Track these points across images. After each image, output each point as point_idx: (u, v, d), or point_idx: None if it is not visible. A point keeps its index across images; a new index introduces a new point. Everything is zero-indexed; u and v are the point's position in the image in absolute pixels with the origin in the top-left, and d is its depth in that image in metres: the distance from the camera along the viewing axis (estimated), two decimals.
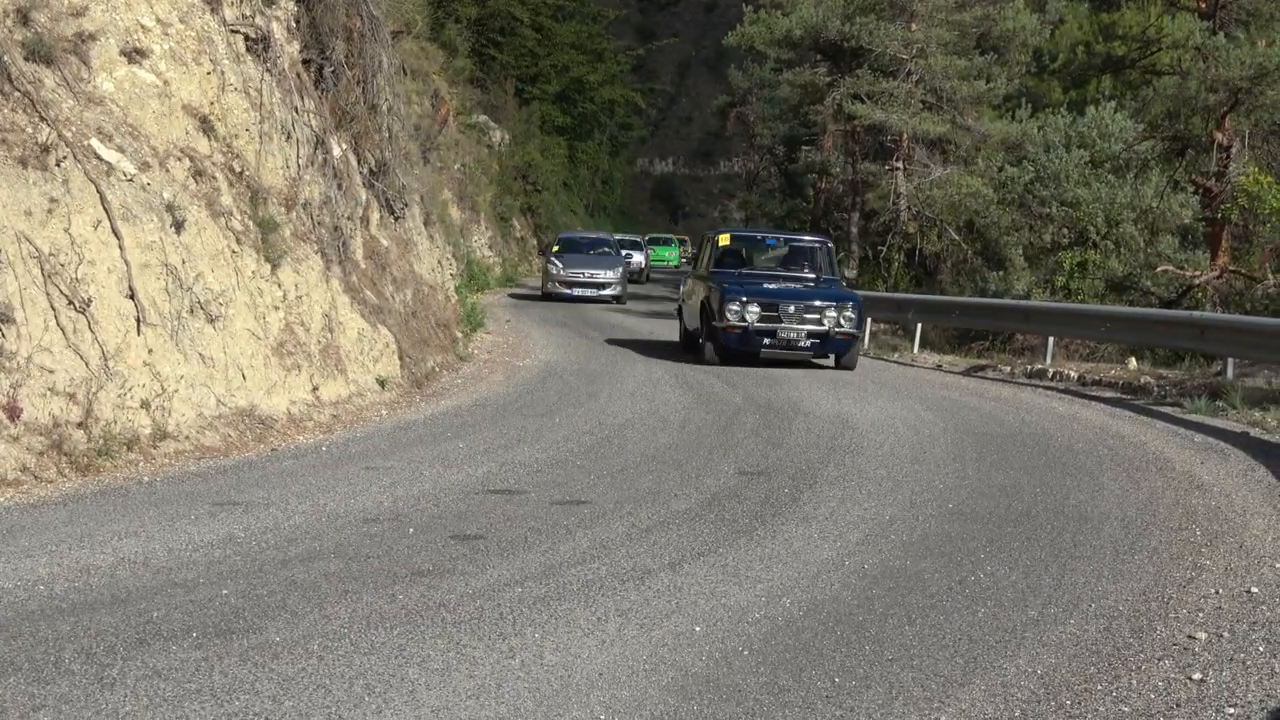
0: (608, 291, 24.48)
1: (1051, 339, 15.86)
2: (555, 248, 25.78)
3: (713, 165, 68.43)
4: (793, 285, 13.71)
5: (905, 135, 24.61)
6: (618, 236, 32.46)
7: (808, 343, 12.95)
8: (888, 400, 11.79)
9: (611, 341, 17.53)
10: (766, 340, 12.84)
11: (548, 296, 24.67)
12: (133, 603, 4.51)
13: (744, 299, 12.91)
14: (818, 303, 12.96)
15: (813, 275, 14.32)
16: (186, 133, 8.67)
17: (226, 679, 3.73)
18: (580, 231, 29.32)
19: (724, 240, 14.73)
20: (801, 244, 15.45)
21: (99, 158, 7.61)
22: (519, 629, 4.33)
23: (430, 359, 12.03)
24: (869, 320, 19.49)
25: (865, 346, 18.07)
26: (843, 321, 12.91)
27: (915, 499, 6.99)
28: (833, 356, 13.45)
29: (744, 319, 12.84)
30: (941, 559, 5.60)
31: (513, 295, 27.03)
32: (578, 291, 24.35)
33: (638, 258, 34.43)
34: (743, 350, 13.01)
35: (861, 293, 18.70)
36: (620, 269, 25.17)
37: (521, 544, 5.61)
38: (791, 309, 12.96)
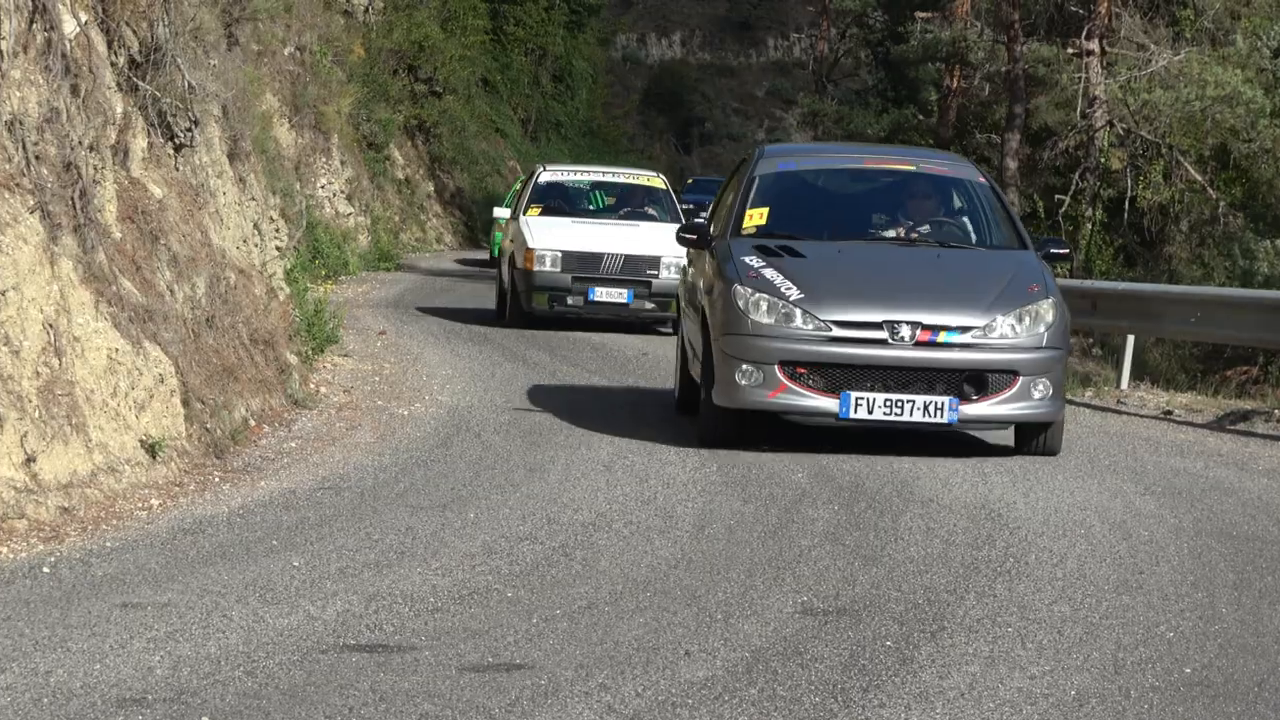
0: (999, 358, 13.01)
1: None
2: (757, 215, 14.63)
3: (754, 47, 68.24)
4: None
5: None
6: (602, 177, 28.01)
7: None
8: (1073, 477, 11.74)
9: (566, 365, 17.61)
10: None
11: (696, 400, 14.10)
12: None
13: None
14: None
15: None
16: None
17: None
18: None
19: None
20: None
21: None
22: None
23: (240, 403, 11.98)
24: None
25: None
26: None
27: (1123, 659, 6.99)
28: None
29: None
30: None
31: (394, 283, 26.84)
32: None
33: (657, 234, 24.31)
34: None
35: None
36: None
37: None
38: None
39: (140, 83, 11.99)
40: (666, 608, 7.65)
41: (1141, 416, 16.27)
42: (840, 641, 7.12)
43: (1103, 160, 25.04)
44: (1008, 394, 12.30)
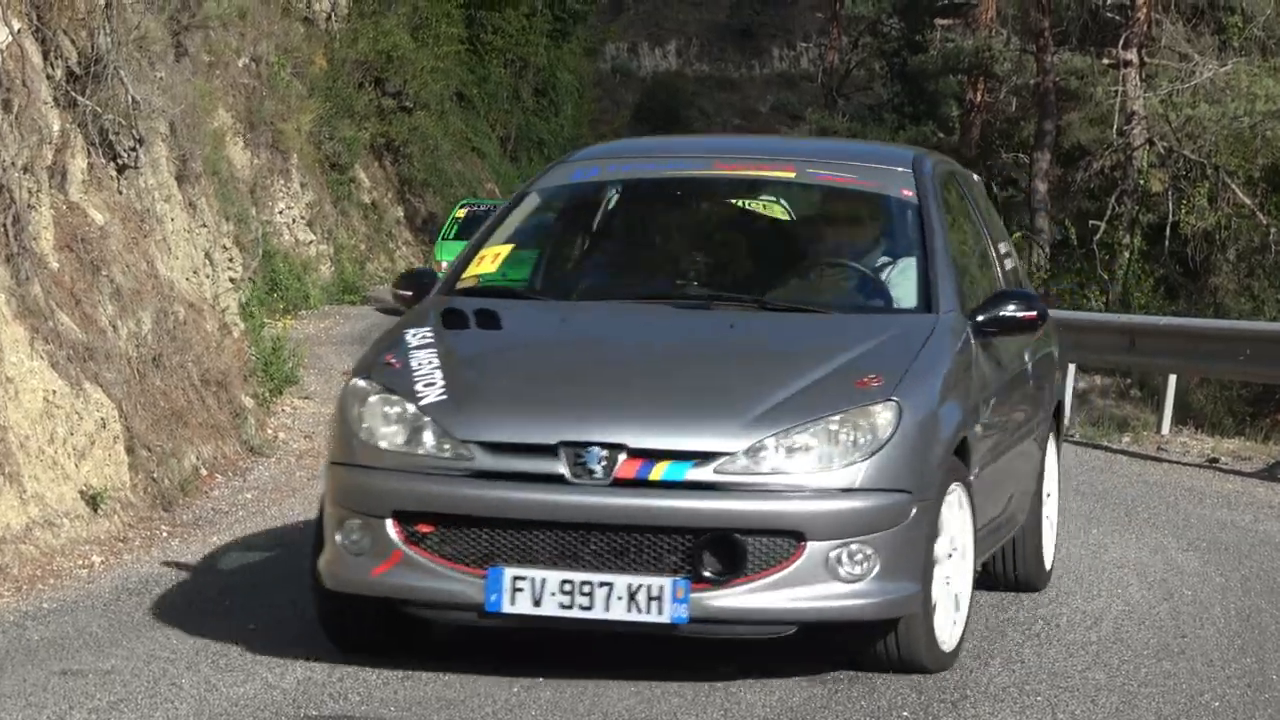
0: None
1: None
2: None
3: (757, 57, 68.84)
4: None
5: None
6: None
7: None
8: (1109, 532, 11.88)
9: None
10: None
11: None
12: None
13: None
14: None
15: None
16: None
17: None
18: None
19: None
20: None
21: None
22: None
23: (190, 450, 12.07)
24: (1070, 368, 18.90)
25: (1066, 424, 14.35)
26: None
27: None
28: None
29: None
30: None
31: (360, 318, 27.82)
32: None
33: None
34: None
35: (1063, 314, 18.03)
36: None
37: None
38: None
39: (79, 97, 12.03)
40: (661, 674, 7.53)
41: (1184, 464, 16.32)
42: (853, 711, 7.12)
43: (1142, 182, 24.91)
44: (783, 572, 7.29)
